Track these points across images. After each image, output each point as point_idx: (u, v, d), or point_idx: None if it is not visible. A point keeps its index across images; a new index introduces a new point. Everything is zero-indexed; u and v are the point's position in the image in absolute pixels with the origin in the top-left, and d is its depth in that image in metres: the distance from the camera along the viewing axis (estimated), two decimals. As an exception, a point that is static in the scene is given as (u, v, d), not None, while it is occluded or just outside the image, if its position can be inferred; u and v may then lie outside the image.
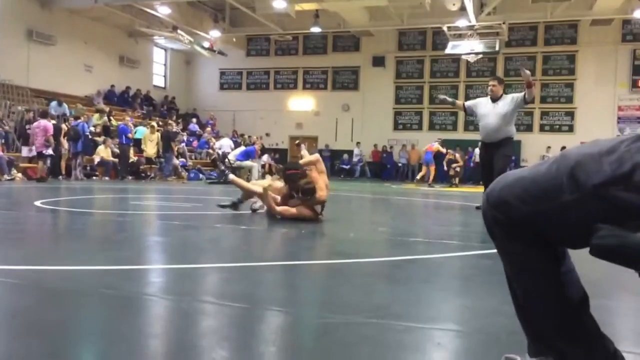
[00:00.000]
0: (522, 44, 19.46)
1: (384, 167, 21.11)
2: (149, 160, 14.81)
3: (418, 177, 16.03)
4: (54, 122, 13.50)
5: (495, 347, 1.64)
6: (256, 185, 5.38)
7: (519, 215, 1.14)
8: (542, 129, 19.85)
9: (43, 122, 12.06)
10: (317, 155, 5.51)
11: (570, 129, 19.65)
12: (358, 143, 21.84)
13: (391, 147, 21.68)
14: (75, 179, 12.96)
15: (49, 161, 12.08)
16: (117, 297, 2.15)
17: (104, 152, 14.27)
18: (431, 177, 15.95)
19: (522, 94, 6.16)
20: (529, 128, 19.77)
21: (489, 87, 6.28)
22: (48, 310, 1.95)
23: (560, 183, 1.06)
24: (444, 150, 16.67)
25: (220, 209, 5.47)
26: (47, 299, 2.12)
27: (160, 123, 18.87)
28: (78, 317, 1.92)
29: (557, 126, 19.73)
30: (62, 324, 1.80)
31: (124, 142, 14.33)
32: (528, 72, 6.04)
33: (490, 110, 6.17)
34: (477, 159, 18.40)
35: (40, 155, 11.89)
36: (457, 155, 17.40)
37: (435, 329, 1.84)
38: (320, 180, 5.10)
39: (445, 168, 16.87)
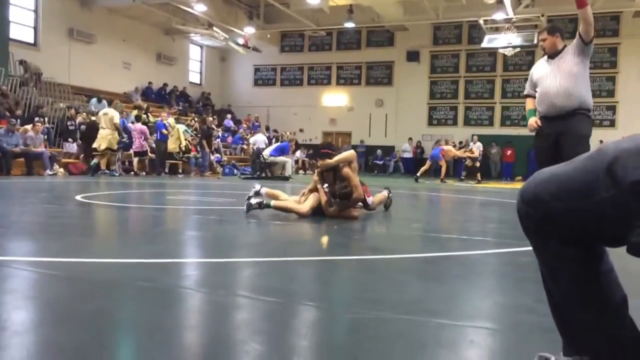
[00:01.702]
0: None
1: (418, 163, 20.87)
2: (170, 156, 14.72)
3: (419, 172, 15.57)
4: (94, 118, 13.89)
5: (529, 345, 1.61)
6: (292, 203, 5.08)
7: (554, 212, 1.11)
8: (582, 123, 19.37)
9: (139, 125, 14.24)
10: (352, 153, 5.31)
11: (612, 123, 19.11)
12: (410, 139, 21.61)
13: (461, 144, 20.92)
14: (120, 174, 13.29)
15: (146, 159, 14.35)
16: (153, 290, 2.20)
17: (142, 148, 14.62)
18: (443, 173, 15.56)
19: (577, 33, 4.27)
20: (568, 123, 19.31)
21: (540, 44, 4.49)
22: (85, 301, 2.01)
23: (596, 179, 1.03)
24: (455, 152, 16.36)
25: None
26: (85, 290, 2.19)
27: (196, 119, 19.17)
28: (115, 307, 1.97)
29: (598, 121, 19.19)
30: (98, 314, 1.85)
31: (160, 137, 14.57)
32: None
33: (549, 69, 4.30)
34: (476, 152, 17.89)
35: (137, 154, 14.04)
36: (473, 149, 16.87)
37: (468, 326, 1.83)
38: (356, 178, 5.05)
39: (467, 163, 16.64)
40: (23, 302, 2.01)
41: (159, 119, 15.03)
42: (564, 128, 4.18)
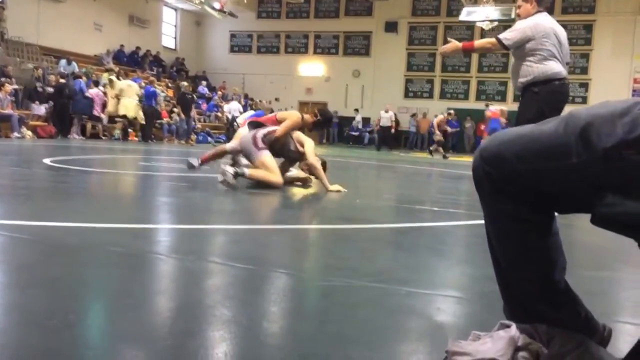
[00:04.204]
0: (538, 12, 18.99)
1: (393, 135, 20.77)
2: (111, 120, 14.37)
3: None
4: (63, 80, 13.52)
5: (493, 313, 1.65)
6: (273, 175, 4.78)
7: (514, 173, 1.11)
8: (555, 100, 19.57)
9: (96, 90, 14.16)
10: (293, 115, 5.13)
11: (584, 100, 19.39)
12: (356, 110, 21.67)
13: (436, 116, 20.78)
14: (73, 138, 12.99)
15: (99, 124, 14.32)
16: (123, 255, 2.18)
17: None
18: None
19: None
20: (541, 99, 19.53)
21: (517, 12, 4.32)
22: (54, 265, 1.98)
23: (567, 143, 1.01)
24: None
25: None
26: (54, 253, 2.16)
27: (170, 85, 18.81)
28: (84, 272, 1.95)
29: (571, 97, 19.31)
30: (68, 277, 1.83)
31: (153, 104, 14.33)
32: None
33: None
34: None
35: (96, 119, 14.11)
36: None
37: (436, 295, 1.86)
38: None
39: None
40: (-12, 265, 1.97)
41: (147, 84, 14.72)
42: (520, 107, 4.09)
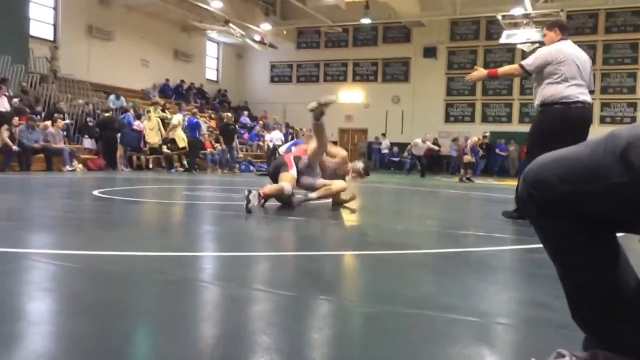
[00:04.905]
0: (581, 32, 18.67)
1: (435, 160, 20.46)
2: (152, 151, 14.59)
3: None
4: (107, 114, 14.07)
5: (542, 340, 1.60)
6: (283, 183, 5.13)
7: (557, 195, 1.09)
8: (602, 120, 19.04)
9: (138, 122, 14.59)
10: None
11: (633, 120, 18.76)
12: (383, 134, 21.89)
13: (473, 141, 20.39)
14: (121, 170, 13.35)
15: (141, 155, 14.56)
16: (168, 282, 2.22)
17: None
18: None
19: None
20: (588, 120, 19.03)
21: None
22: (103, 292, 2.04)
23: (608, 164, 1.00)
24: None
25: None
26: (103, 281, 2.22)
27: (213, 116, 19.28)
28: (131, 299, 2.00)
29: (619, 118, 18.90)
30: (115, 305, 1.88)
31: (197, 135, 14.75)
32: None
33: None
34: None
35: (140, 150, 14.56)
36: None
37: (482, 322, 1.81)
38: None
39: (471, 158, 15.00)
40: (40, 293, 2.04)
41: (190, 116, 15.11)
42: None
